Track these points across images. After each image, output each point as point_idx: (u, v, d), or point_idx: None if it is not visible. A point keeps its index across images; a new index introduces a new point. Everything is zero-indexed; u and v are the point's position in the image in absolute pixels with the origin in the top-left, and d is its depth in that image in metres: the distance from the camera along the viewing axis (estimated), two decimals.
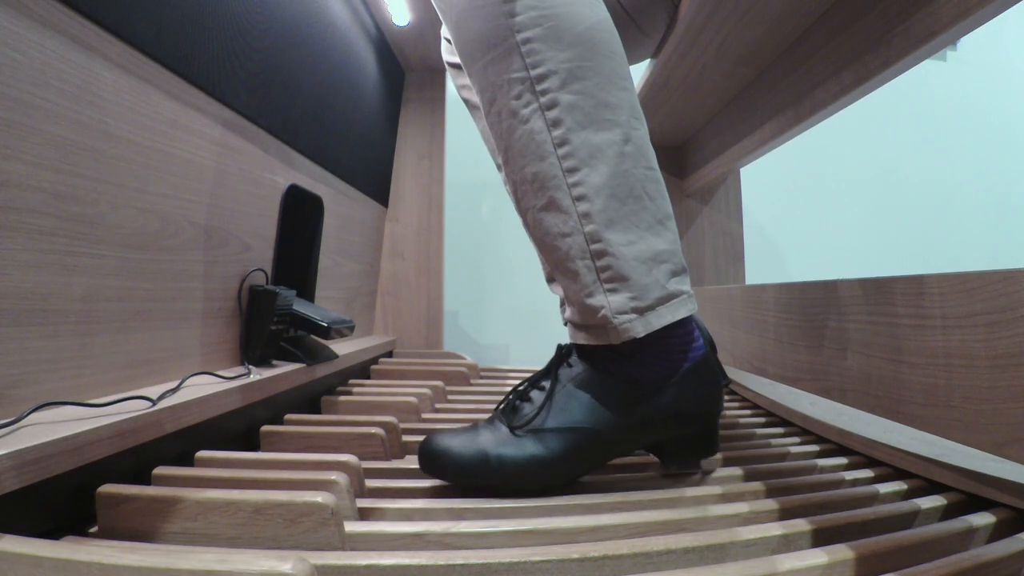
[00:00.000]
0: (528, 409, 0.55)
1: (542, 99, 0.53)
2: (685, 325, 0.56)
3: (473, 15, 0.55)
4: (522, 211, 0.57)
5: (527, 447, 0.53)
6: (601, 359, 0.55)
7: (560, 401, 0.55)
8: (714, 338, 0.74)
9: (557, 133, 0.53)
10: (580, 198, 0.52)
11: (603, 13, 0.56)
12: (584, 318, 0.54)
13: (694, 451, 0.58)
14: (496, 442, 0.53)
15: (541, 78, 0.53)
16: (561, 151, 0.53)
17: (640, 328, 0.52)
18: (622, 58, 0.56)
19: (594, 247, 0.53)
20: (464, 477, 0.53)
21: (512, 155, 0.55)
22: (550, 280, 0.65)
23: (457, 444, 0.53)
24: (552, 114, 0.53)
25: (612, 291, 0.53)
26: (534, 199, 0.55)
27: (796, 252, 1.94)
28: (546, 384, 0.56)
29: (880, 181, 2.00)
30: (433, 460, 0.53)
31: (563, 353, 0.58)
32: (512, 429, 0.54)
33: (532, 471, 0.52)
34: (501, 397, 0.78)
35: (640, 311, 0.52)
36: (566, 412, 0.54)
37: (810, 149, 1.92)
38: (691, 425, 0.56)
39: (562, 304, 0.62)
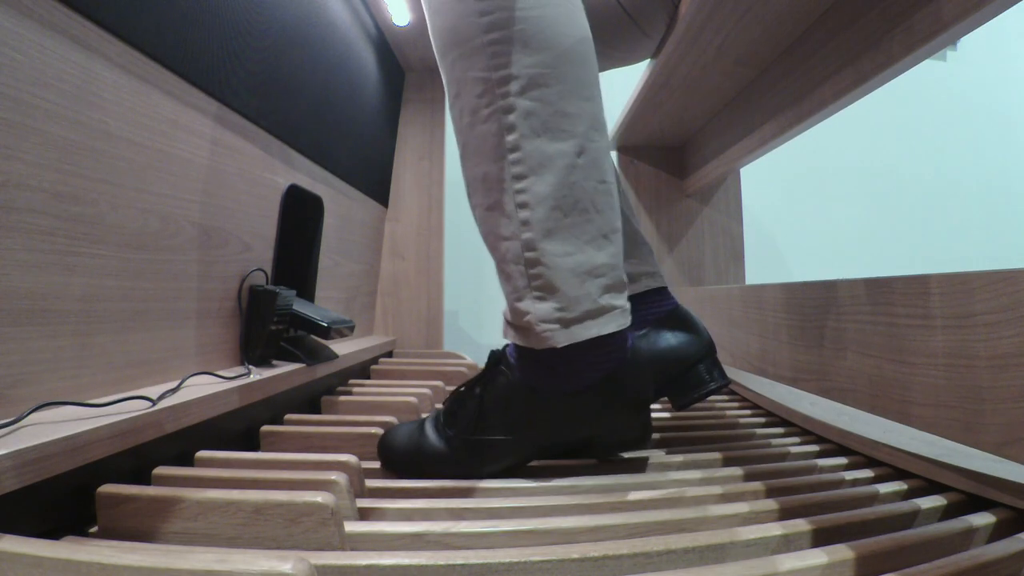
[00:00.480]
0: (462, 416, 0.58)
1: (501, 102, 0.53)
2: (615, 339, 0.56)
3: (448, 9, 0.55)
4: (472, 206, 0.58)
5: (458, 452, 0.57)
6: (529, 363, 0.57)
7: (490, 408, 0.57)
8: (714, 338, 0.74)
9: (510, 138, 0.53)
10: (523, 205, 0.53)
11: (583, 28, 0.56)
12: (513, 318, 0.56)
13: (623, 447, 0.61)
14: (433, 442, 0.58)
15: (503, 81, 0.53)
16: (512, 156, 0.53)
17: (562, 338, 0.53)
18: (591, 68, 0.56)
19: (528, 255, 0.53)
20: (399, 468, 0.59)
21: (468, 152, 0.56)
22: None
23: (402, 439, 0.59)
24: (508, 119, 0.53)
25: (540, 299, 0.54)
26: (481, 198, 0.56)
27: (796, 252, 1.94)
28: (478, 390, 0.58)
29: (880, 181, 2.00)
30: (383, 452, 0.60)
31: (494, 360, 0.59)
32: (447, 436, 0.58)
33: (461, 472, 0.57)
34: None
35: (565, 322, 0.53)
36: (492, 421, 0.57)
37: (810, 149, 1.92)
38: (617, 423, 0.58)
39: None
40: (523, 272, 0.54)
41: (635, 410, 0.58)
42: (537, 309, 0.54)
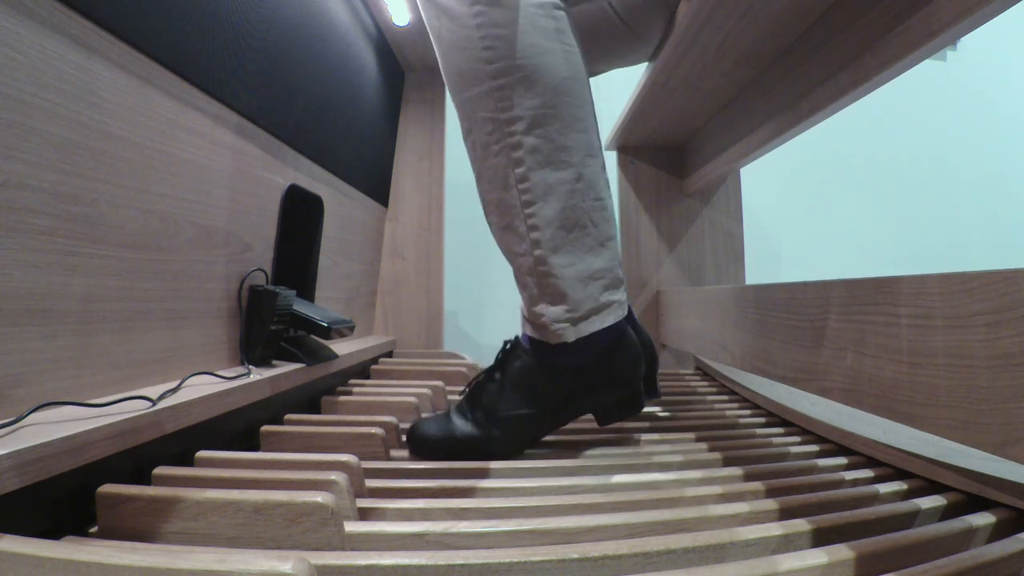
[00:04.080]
0: (486, 399, 0.66)
1: (509, 139, 0.62)
2: (614, 324, 0.66)
3: (457, 53, 0.62)
4: (488, 223, 0.67)
5: (487, 430, 0.65)
6: (544, 353, 0.66)
7: (511, 387, 0.66)
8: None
9: (519, 171, 0.62)
10: (533, 228, 0.63)
11: (576, 67, 0.63)
12: (531, 317, 0.66)
13: (626, 411, 0.70)
14: (462, 425, 0.66)
15: (510, 121, 0.61)
16: (521, 186, 0.62)
17: (571, 335, 0.64)
18: (585, 102, 0.64)
19: (540, 269, 0.63)
20: (437, 453, 0.64)
21: (482, 179, 0.65)
22: None
23: (434, 428, 0.66)
24: (517, 154, 0.62)
25: (552, 303, 0.64)
26: (497, 219, 0.66)
27: (796, 252, 1.94)
28: (498, 375, 0.67)
29: (880, 181, 2.00)
30: (417, 442, 0.66)
31: (509, 348, 0.69)
32: (475, 419, 0.66)
33: (491, 448, 0.64)
34: None
35: (574, 321, 0.64)
36: (515, 398, 0.66)
37: (810, 149, 1.92)
38: (616, 390, 0.68)
39: None
40: (536, 283, 0.64)
41: (626, 382, 0.68)
42: (550, 312, 0.64)
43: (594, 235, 0.64)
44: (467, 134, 0.65)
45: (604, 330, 0.65)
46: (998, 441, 0.43)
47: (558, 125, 0.62)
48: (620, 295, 0.66)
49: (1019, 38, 2.12)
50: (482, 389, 0.68)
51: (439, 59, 0.65)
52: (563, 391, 0.66)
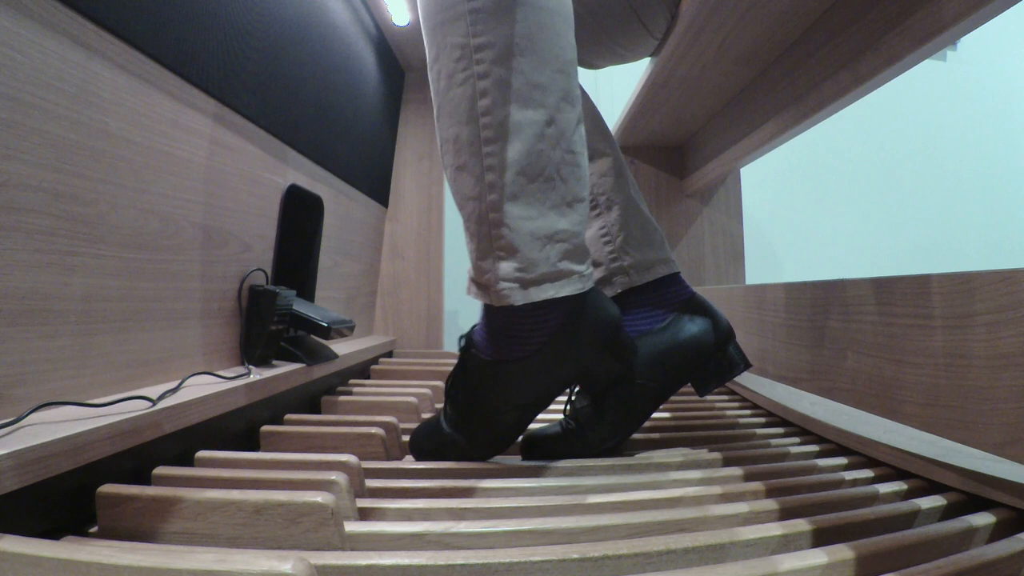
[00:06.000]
0: (457, 402, 0.62)
1: (476, 67, 0.55)
2: (570, 303, 0.58)
3: None
4: (444, 166, 0.60)
5: (469, 436, 0.61)
6: (492, 332, 0.59)
7: (472, 389, 0.61)
8: None
9: (483, 103, 0.55)
10: (490, 168, 0.55)
11: (563, 3, 0.58)
12: (475, 275, 0.59)
13: (607, 379, 0.64)
14: (448, 433, 0.62)
15: (480, 47, 0.54)
16: (483, 120, 0.55)
17: (519, 298, 0.56)
18: (568, 44, 0.58)
19: (492, 216, 0.55)
20: (433, 456, 0.62)
21: (442, 114, 0.58)
22: None
23: (424, 435, 0.63)
24: (483, 84, 0.55)
25: (501, 259, 0.56)
26: (452, 158, 0.58)
27: (795, 251, 1.94)
28: (458, 376, 0.62)
29: (880, 181, 2.00)
30: (413, 449, 0.64)
31: (464, 345, 0.62)
32: (455, 423, 0.62)
33: (478, 453, 0.61)
34: None
35: (524, 283, 0.56)
36: (479, 400, 0.60)
37: (810, 149, 1.92)
38: (597, 382, 0.63)
39: None
40: (487, 232, 0.56)
41: (600, 348, 0.61)
42: (498, 268, 0.56)
43: (561, 191, 0.56)
44: (433, 63, 0.58)
45: (556, 302, 0.57)
46: (998, 441, 0.43)
47: (533, 59, 0.55)
48: (583, 267, 0.58)
49: (1019, 38, 2.12)
50: (451, 392, 0.64)
51: None
52: (524, 381, 0.60)
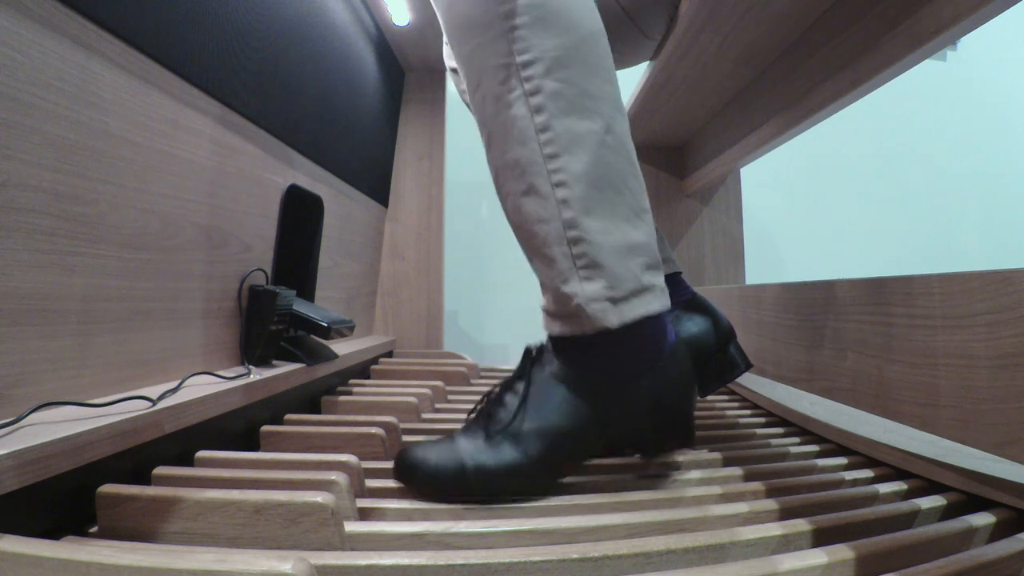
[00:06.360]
0: (503, 414, 0.54)
1: (526, 85, 0.53)
2: (658, 318, 0.55)
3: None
4: (503, 196, 0.57)
5: (505, 453, 0.52)
6: (575, 354, 0.54)
7: (535, 402, 0.54)
8: None
9: (540, 119, 0.53)
10: (560, 184, 0.52)
11: (597, 19, 0.56)
12: (559, 306, 0.54)
13: (672, 441, 0.59)
14: (474, 450, 0.52)
15: (526, 64, 0.53)
16: (543, 137, 0.53)
17: (614, 318, 0.52)
18: (607, 53, 0.56)
19: (571, 233, 0.52)
20: (441, 487, 0.51)
21: (495, 140, 0.55)
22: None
23: (434, 455, 0.52)
24: (536, 100, 0.53)
25: (587, 279, 0.52)
26: (515, 184, 0.55)
27: (795, 252, 1.94)
28: (519, 387, 0.55)
29: (880, 181, 2.00)
30: (410, 472, 0.52)
31: (534, 355, 0.57)
32: (488, 435, 0.53)
33: (511, 476, 0.51)
34: None
35: (614, 300, 0.52)
36: (542, 413, 0.53)
37: (810, 149, 1.92)
38: (666, 416, 0.56)
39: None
40: (567, 253, 0.53)
41: (678, 411, 0.57)
42: (585, 290, 0.52)
43: (629, 201, 0.54)
44: (475, 90, 0.56)
45: (649, 320, 0.53)
46: (998, 441, 0.43)
47: (582, 69, 0.53)
48: (661, 280, 0.55)
49: (1019, 38, 2.12)
50: (499, 402, 0.55)
51: (442, 17, 0.57)
52: (605, 403, 0.54)
